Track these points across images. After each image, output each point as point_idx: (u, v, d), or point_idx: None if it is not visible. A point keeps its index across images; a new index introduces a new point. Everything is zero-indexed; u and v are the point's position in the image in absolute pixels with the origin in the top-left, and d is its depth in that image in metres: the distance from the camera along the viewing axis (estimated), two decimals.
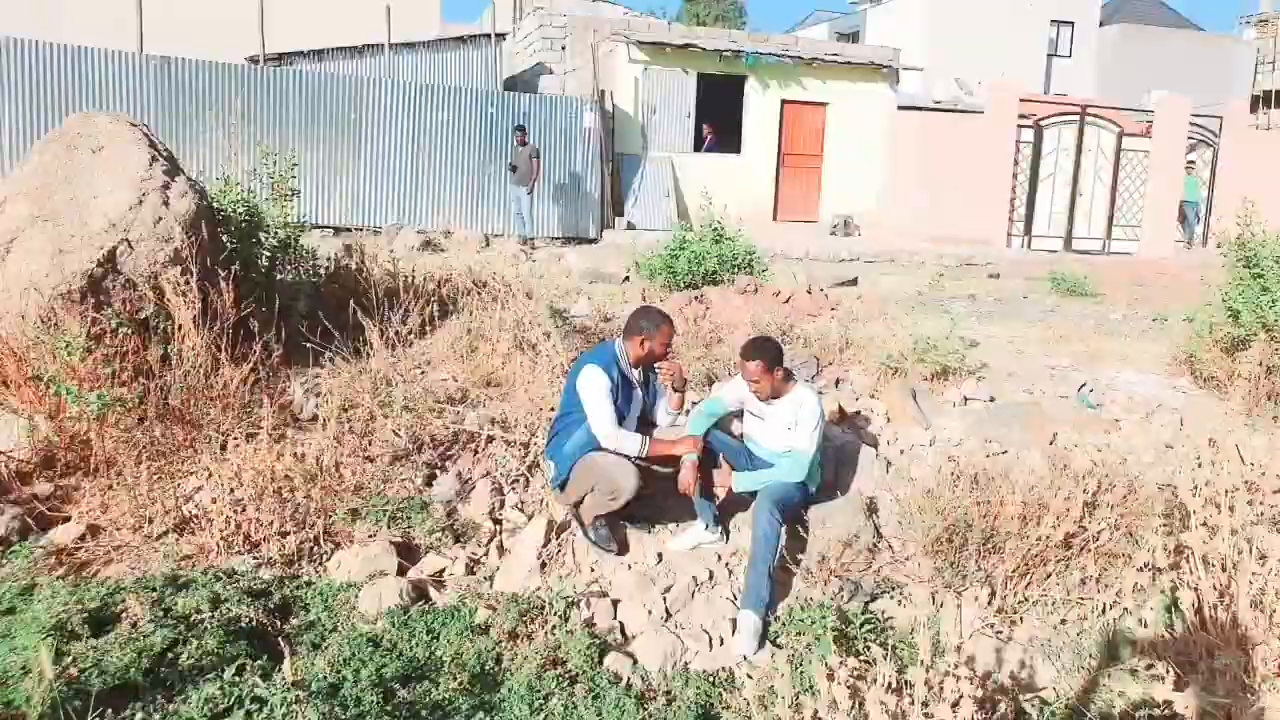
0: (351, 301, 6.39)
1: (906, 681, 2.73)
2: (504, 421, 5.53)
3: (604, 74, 17.99)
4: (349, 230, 14.35)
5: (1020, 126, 18.83)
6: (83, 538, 4.34)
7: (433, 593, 4.30)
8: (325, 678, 3.44)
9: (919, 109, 20.52)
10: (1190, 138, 20.35)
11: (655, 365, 4.73)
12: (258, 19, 15.55)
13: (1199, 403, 6.70)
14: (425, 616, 4.02)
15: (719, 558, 4.65)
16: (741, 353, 4.63)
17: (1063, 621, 4.15)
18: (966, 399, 6.53)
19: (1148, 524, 4.15)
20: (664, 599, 4.27)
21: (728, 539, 4.76)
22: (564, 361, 6.00)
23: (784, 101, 19.36)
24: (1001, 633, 4.12)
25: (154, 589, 3.91)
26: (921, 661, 2.48)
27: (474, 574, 4.50)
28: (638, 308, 4.96)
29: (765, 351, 4.53)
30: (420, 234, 14.03)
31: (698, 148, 19.20)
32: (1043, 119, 18.98)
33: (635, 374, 4.65)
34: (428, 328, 6.78)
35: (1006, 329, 9.55)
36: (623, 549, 4.67)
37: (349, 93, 15.39)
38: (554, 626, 3.92)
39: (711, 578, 4.50)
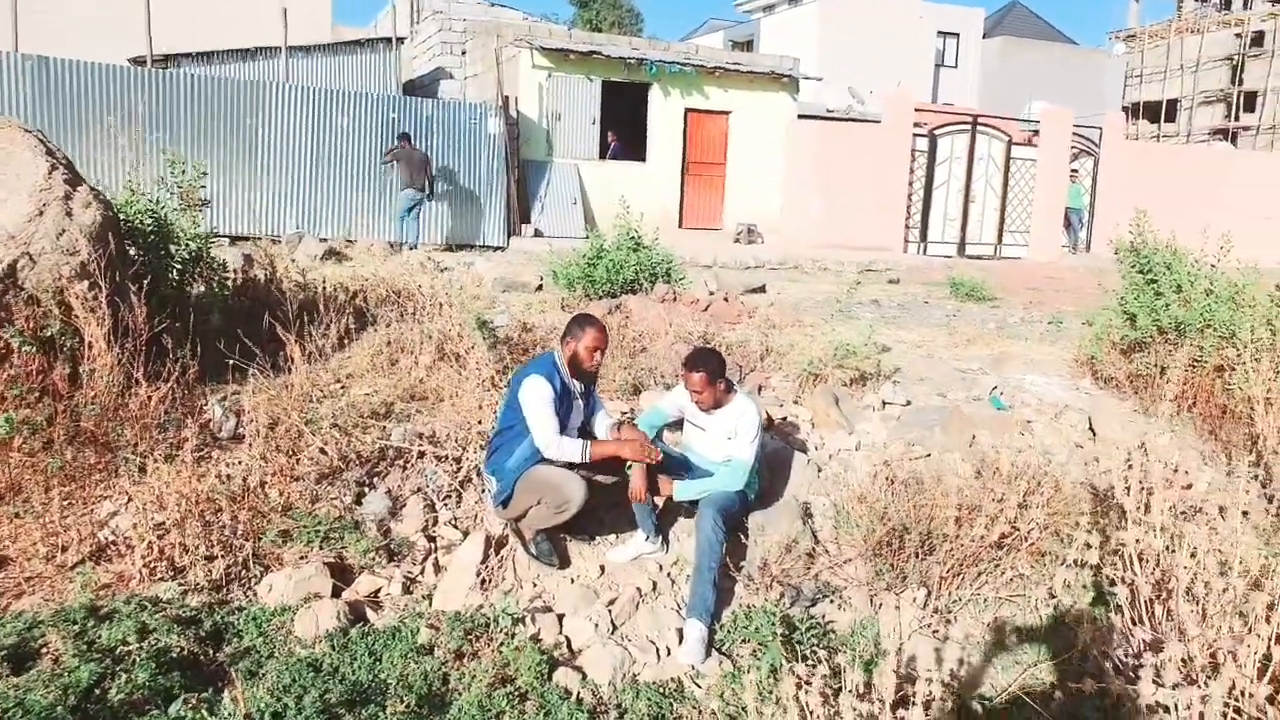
0: (266, 315, 6.19)
1: (869, 685, 2.78)
2: (433, 436, 5.42)
3: (507, 80, 17.85)
4: (246, 239, 13.87)
5: (915, 135, 19.35)
6: None
7: (370, 614, 4.19)
8: (268, 706, 3.32)
9: (817, 118, 20.94)
10: (1073, 147, 21.28)
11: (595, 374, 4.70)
12: (143, 19, 14.93)
13: (1101, 403, 6.98)
14: (366, 639, 3.92)
15: (660, 567, 4.65)
16: (685, 364, 4.65)
17: (995, 619, 4.28)
18: (885, 403, 6.68)
19: (1072, 522, 4.32)
20: (609, 611, 4.25)
21: (668, 548, 4.76)
22: (492, 374, 5.92)
23: (688, 110, 19.54)
24: (938, 632, 4.23)
25: (74, 621, 3.72)
26: (895, 669, 2.53)
27: (411, 593, 4.40)
28: (575, 314, 4.92)
29: (708, 363, 4.55)
30: (323, 242, 13.66)
31: (603, 154, 19.23)
32: (937, 128, 19.56)
33: (576, 385, 4.61)
34: (345, 340, 6.61)
35: (913, 334, 9.81)
36: (564, 562, 4.63)
37: (245, 97, 14.83)
38: (501, 644, 3.87)
39: (655, 588, 4.51)
